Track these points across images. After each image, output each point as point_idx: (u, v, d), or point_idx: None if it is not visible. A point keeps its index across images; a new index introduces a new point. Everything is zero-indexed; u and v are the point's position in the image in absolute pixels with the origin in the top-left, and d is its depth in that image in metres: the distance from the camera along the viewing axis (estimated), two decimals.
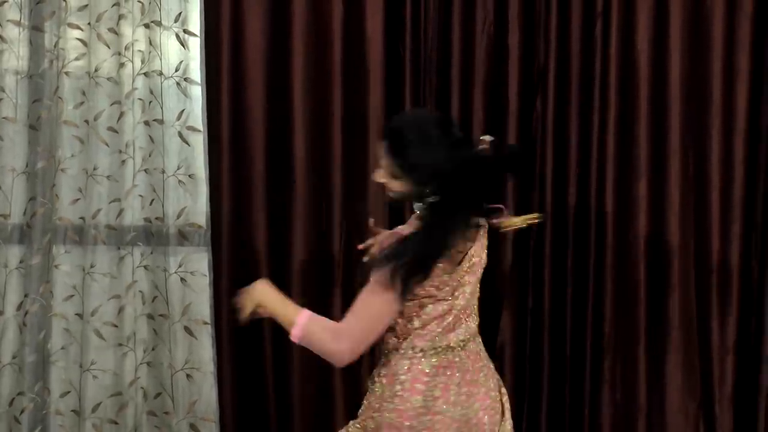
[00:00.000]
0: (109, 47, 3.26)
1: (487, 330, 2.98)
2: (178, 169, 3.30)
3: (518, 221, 2.40)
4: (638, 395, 3.34)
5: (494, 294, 3.25)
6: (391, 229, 2.31)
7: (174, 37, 3.28)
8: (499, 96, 3.29)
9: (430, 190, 2.18)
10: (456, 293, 2.23)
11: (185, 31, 3.27)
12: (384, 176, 2.23)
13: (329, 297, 3.26)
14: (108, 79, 3.27)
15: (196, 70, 3.30)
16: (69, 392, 3.30)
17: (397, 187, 2.22)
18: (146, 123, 3.29)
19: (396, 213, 3.18)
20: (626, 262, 3.32)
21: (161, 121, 3.28)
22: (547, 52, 3.27)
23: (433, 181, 2.16)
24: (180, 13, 3.26)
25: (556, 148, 3.30)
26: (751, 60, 3.28)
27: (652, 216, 3.31)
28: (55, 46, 3.25)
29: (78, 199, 3.30)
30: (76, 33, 3.26)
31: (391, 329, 2.24)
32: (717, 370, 3.39)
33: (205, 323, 3.29)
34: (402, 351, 2.26)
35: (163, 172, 3.29)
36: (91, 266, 3.31)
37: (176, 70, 3.28)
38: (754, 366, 3.39)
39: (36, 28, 3.27)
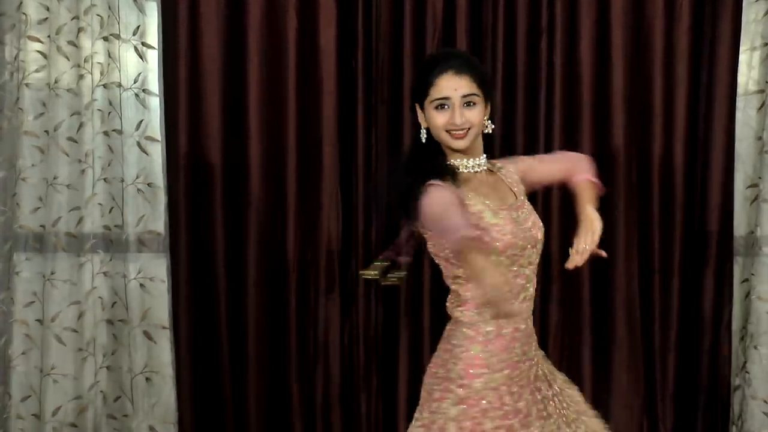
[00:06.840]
0: (68, 59, 3.30)
1: None
2: (137, 178, 3.33)
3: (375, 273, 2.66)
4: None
5: None
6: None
7: (132, 49, 3.32)
8: None
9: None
10: None
11: (143, 44, 3.31)
12: (477, 114, 2.18)
13: (285, 303, 3.32)
14: (67, 90, 3.31)
15: (154, 81, 3.34)
16: (29, 396, 3.33)
17: (479, 118, 2.19)
18: (105, 133, 3.32)
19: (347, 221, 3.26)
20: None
21: (120, 132, 3.32)
22: (495, 62, 3.32)
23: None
24: (138, 26, 3.31)
25: (503, 152, 3.24)
26: (689, 70, 3.36)
27: None
28: (15, 58, 3.28)
29: (38, 208, 3.33)
30: (36, 45, 3.31)
31: None
32: (659, 367, 3.44)
33: (164, 328, 3.34)
34: None
35: (122, 180, 3.32)
36: (52, 273, 3.34)
37: (135, 82, 3.32)
38: (693, 364, 3.45)
39: None
